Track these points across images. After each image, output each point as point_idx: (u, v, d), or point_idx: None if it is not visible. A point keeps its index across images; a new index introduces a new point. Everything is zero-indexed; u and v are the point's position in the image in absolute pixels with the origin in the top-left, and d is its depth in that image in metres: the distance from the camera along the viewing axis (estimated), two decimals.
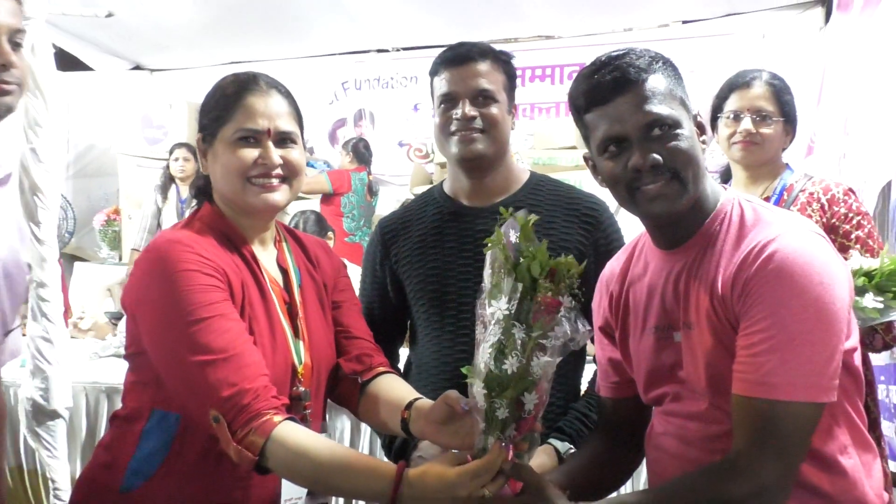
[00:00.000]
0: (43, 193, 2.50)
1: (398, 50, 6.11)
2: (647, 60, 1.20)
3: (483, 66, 1.54)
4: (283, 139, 1.34)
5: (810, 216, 1.93)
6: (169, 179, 5.12)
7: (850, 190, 1.99)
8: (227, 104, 1.33)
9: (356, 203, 5.41)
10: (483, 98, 1.53)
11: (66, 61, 5.38)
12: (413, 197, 5.45)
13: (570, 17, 5.37)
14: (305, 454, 1.15)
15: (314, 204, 5.13)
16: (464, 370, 1.35)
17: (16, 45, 1.26)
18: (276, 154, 1.31)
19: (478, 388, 1.11)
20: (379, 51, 6.15)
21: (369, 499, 1.20)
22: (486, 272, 1.13)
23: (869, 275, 1.67)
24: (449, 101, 1.55)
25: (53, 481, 2.70)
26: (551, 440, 1.46)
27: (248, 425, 1.15)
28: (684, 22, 5.25)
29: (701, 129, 1.21)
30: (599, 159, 1.21)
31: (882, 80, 2.74)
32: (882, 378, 2.54)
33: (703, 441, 1.20)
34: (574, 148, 4.72)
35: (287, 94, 1.38)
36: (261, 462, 1.16)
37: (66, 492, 2.71)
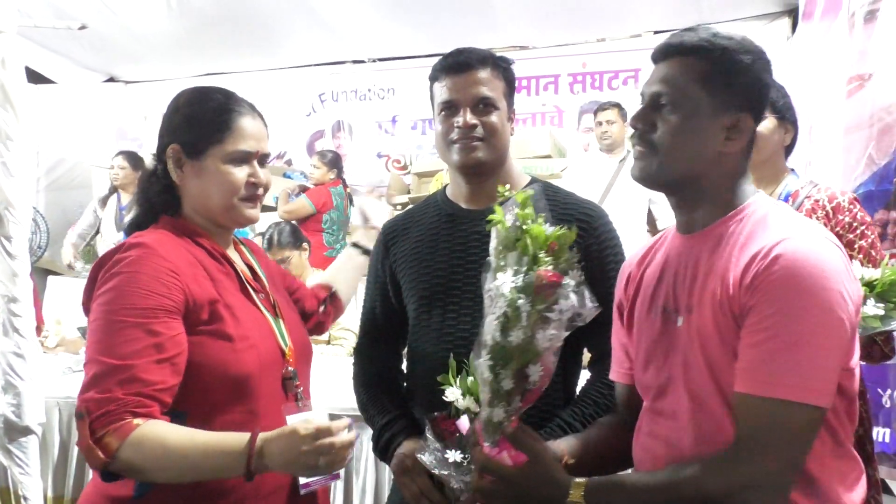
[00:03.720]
0: (14, 207, 2.48)
1: (374, 61, 6.14)
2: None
3: (483, 74, 1.55)
4: (262, 160, 1.45)
5: None
6: (112, 189, 5.14)
7: (856, 199, 1.98)
8: (220, 124, 1.41)
9: (336, 218, 5.41)
10: (483, 106, 1.54)
11: (37, 74, 5.35)
12: (392, 207, 5.49)
13: (544, 29, 5.44)
14: (165, 447, 1.20)
15: None
16: (439, 378, 1.38)
17: None
18: (264, 174, 1.44)
19: (483, 361, 1.14)
20: (355, 62, 6.17)
21: (227, 475, 1.24)
22: (492, 248, 1.19)
23: (870, 284, 1.69)
24: (449, 108, 1.57)
25: (26, 499, 2.66)
26: None
27: (107, 427, 1.19)
28: (655, 32, 5.33)
29: None
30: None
31: (836, 88, 2.79)
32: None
33: (688, 445, 1.19)
34: (549, 157, 4.76)
35: (263, 119, 1.49)
36: (111, 465, 1.19)
37: None
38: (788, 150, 2.07)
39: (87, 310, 1.34)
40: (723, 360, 1.14)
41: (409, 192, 5.48)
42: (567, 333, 1.13)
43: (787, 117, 2.01)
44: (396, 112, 6.23)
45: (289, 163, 6.38)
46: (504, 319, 1.12)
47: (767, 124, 1.97)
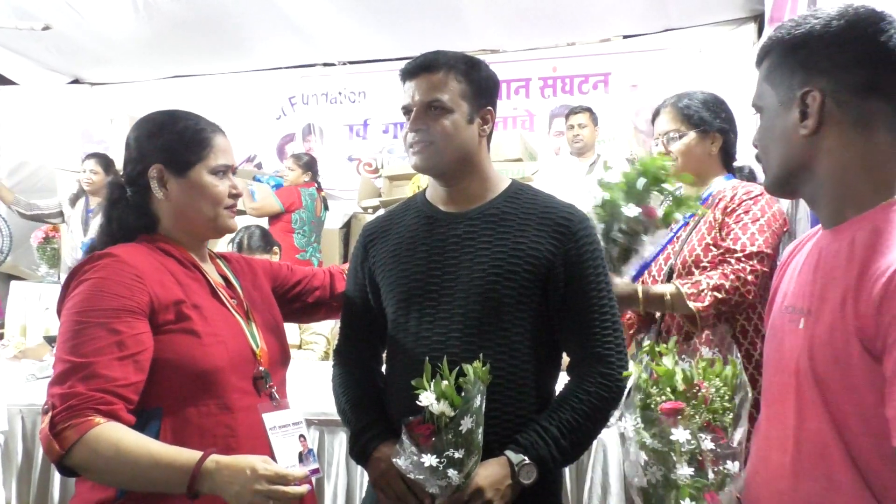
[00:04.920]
0: None
1: (344, 64, 6.12)
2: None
3: (437, 76, 1.53)
4: (234, 172, 1.57)
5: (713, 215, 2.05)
6: (81, 190, 5.06)
7: (753, 192, 2.05)
8: (201, 142, 1.51)
9: (307, 219, 5.37)
10: (434, 109, 1.53)
11: None
12: (363, 210, 5.44)
13: (515, 32, 5.46)
14: (118, 450, 1.22)
15: (262, 220, 5.07)
16: (414, 382, 1.37)
17: None
18: (238, 184, 1.56)
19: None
20: (326, 64, 6.15)
21: (171, 490, 1.25)
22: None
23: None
24: (406, 112, 1.57)
25: None
26: (506, 451, 1.45)
27: (69, 421, 1.23)
28: (625, 37, 5.39)
29: None
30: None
31: None
32: None
33: (789, 463, 1.08)
34: (520, 160, 4.78)
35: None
36: (66, 459, 1.23)
37: None
38: (725, 154, 2.17)
39: (59, 311, 1.40)
40: (834, 384, 1.02)
41: (379, 196, 5.46)
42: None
43: (707, 126, 2.12)
44: (368, 115, 6.20)
45: (259, 166, 6.32)
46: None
47: (688, 140, 2.11)
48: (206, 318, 1.42)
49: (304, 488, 1.24)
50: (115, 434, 1.24)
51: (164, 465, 1.23)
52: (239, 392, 1.41)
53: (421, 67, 1.55)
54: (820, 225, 1.19)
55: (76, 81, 6.14)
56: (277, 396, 1.48)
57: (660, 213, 1.92)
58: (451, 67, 1.54)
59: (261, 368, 1.47)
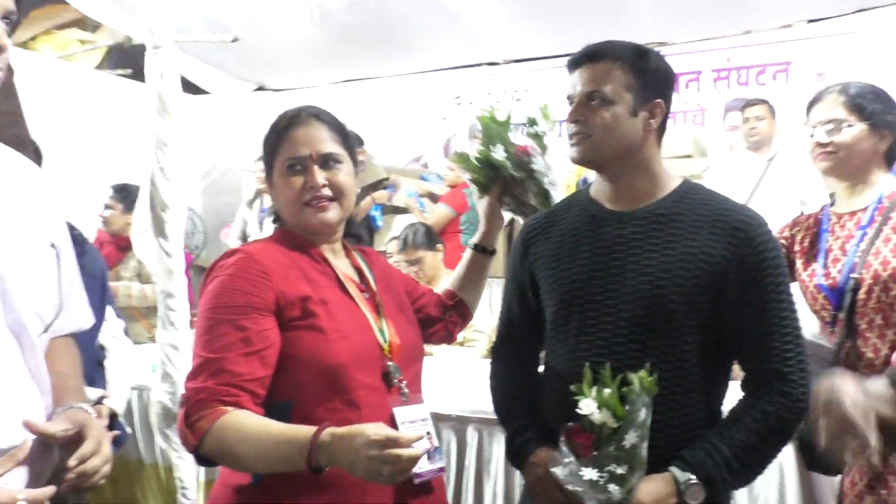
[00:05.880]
0: (170, 209, 2.66)
1: (509, 63, 6.12)
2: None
3: (601, 66, 1.48)
4: (327, 160, 1.48)
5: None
6: (258, 191, 5.35)
7: None
8: (276, 139, 1.50)
9: (473, 219, 5.46)
10: (594, 100, 1.47)
11: (193, 85, 5.73)
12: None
13: (684, 23, 5.19)
14: (243, 434, 1.27)
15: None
16: (573, 388, 1.33)
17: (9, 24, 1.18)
18: (320, 175, 1.47)
19: None
20: (490, 64, 6.18)
21: (295, 466, 1.26)
22: None
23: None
24: (571, 103, 1.53)
25: (181, 480, 2.85)
26: (672, 468, 1.37)
27: (199, 413, 1.29)
28: (809, 21, 4.97)
29: None
30: None
31: None
32: None
33: None
34: (690, 157, 4.56)
35: (328, 121, 1.52)
36: (200, 448, 1.29)
37: (191, 490, 2.85)
38: (889, 153, 1.90)
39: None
40: None
41: None
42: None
43: (879, 123, 1.85)
44: (532, 114, 6.18)
45: (425, 166, 6.48)
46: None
47: (855, 132, 1.84)
48: (333, 313, 1.42)
49: (418, 451, 1.21)
50: (240, 420, 1.29)
51: (284, 442, 1.26)
52: (365, 388, 1.41)
53: (586, 57, 1.50)
54: None
55: (261, 88, 6.58)
56: (407, 392, 1.46)
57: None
58: (618, 57, 1.48)
59: (389, 363, 1.45)
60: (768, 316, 1.40)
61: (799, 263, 1.95)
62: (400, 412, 1.42)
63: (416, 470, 1.36)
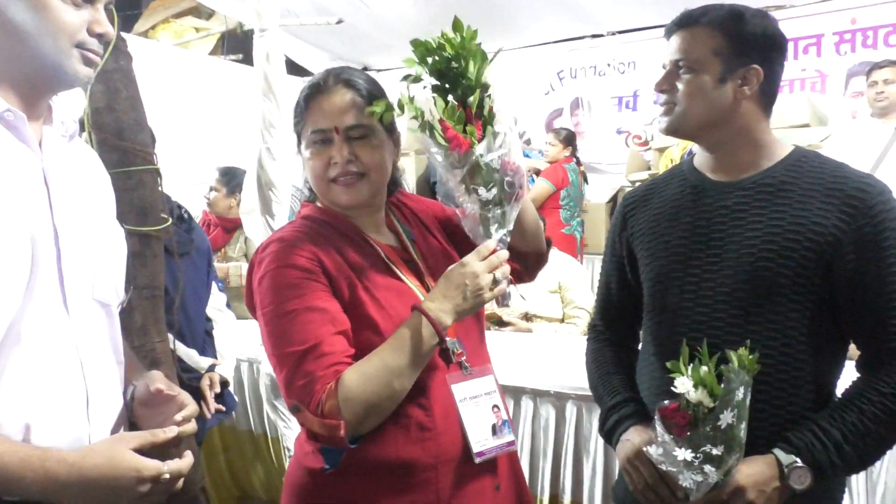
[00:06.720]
0: (276, 188, 2.75)
1: (613, 34, 5.95)
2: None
3: (689, 32, 1.42)
4: (353, 133, 1.36)
5: None
6: None
7: None
8: (301, 110, 1.39)
9: (573, 194, 5.39)
10: (679, 68, 1.43)
11: (299, 66, 5.89)
12: (629, 184, 5.31)
13: None
14: (363, 373, 1.24)
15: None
16: (669, 365, 1.29)
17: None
18: (344, 150, 1.34)
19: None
20: (594, 36, 6.03)
21: (426, 348, 1.27)
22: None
23: None
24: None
25: (288, 449, 2.97)
26: (775, 450, 1.31)
27: (320, 395, 1.23)
28: None
29: None
30: None
31: None
32: None
33: None
34: (807, 126, 4.30)
35: (359, 86, 1.38)
36: (347, 427, 1.23)
37: None
38: None
39: (251, 308, 1.40)
40: None
41: (648, 169, 5.27)
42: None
43: None
44: (637, 86, 6.00)
45: (528, 142, 6.43)
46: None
47: None
48: (379, 300, 1.33)
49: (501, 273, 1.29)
50: (353, 369, 1.25)
51: (401, 338, 1.26)
52: (425, 371, 1.31)
53: (677, 24, 1.44)
54: None
55: (365, 69, 6.70)
56: (468, 365, 1.39)
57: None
58: (709, 22, 1.40)
59: (447, 339, 1.33)
60: (888, 292, 1.30)
61: None
62: (459, 388, 1.35)
63: (477, 448, 1.35)
